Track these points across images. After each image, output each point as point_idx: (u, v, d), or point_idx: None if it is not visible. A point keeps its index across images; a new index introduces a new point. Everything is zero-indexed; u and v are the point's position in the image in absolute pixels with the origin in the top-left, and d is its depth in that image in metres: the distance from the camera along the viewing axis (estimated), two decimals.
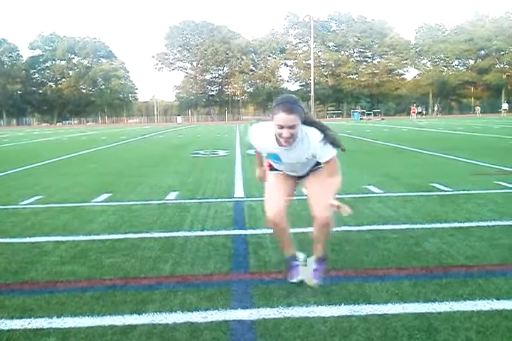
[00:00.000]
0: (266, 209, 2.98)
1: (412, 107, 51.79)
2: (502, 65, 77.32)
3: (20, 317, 2.58)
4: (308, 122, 2.74)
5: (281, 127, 2.61)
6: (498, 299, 2.66)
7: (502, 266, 3.24)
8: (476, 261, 3.35)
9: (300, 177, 3.10)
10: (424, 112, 61.29)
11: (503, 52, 75.68)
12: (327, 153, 2.76)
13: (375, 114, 65.07)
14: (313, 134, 2.73)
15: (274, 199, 2.97)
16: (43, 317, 2.58)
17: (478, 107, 62.87)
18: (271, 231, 4.24)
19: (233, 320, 2.49)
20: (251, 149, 13.63)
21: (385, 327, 2.37)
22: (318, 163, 2.95)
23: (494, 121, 36.45)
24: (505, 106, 56.46)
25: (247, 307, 2.64)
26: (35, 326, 2.48)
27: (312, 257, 3.04)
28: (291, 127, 2.61)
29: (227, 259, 3.51)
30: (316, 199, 2.91)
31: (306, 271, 2.97)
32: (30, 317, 2.58)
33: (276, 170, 3.08)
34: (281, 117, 2.59)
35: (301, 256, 3.08)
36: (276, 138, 2.73)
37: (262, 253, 3.62)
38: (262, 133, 2.84)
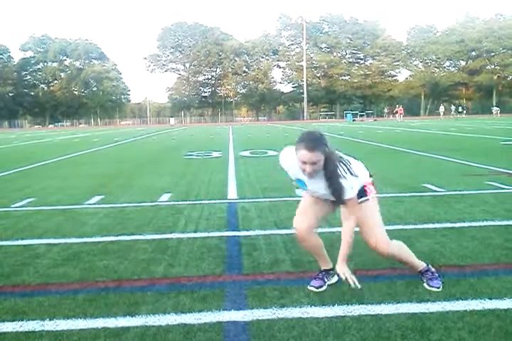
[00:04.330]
0: (294, 222, 2.95)
1: (399, 108, 51.23)
2: (493, 66, 77.85)
3: (12, 320, 2.57)
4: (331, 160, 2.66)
5: (304, 163, 2.61)
6: (490, 298, 2.68)
7: (494, 265, 3.26)
8: (469, 261, 3.37)
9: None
10: (462, 111, 57.80)
11: (493, 54, 76.24)
12: (351, 191, 2.70)
13: (367, 115, 65.28)
14: (349, 176, 2.68)
15: (304, 212, 2.94)
16: (35, 319, 2.57)
17: (496, 108, 57.73)
18: (264, 232, 4.26)
19: (227, 322, 2.49)
20: (245, 151, 13.63)
21: (378, 328, 2.38)
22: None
23: (486, 121, 36.68)
24: (495, 109, 56.44)
25: (240, 309, 2.64)
26: (28, 329, 2.47)
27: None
28: (314, 163, 2.60)
29: (221, 261, 3.50)
30: (370, 232, 2.87)
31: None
32: (22, 320, 2.56)
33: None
34: (304, 154, 2.58)
35: (333, 278, 3.02)
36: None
37: (255, 255, 3.62)
38: (290, 159, 2.81)
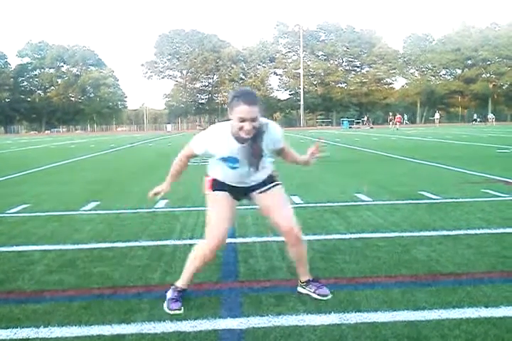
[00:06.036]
0: (210, 237, 2.77)
1: (397, 116, 51.13)
2: (488, 75, 78.42)
3: (7, 327, 2.54)
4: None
5: (243, 120, 2.51)
6: (486, 307, 2.68)
7: (490, 273, 3.26)
8: (465, 268, 3.37)
9: (245, 194, 2.94)
10: (478, 119, 56.90)
11: (489, 62, 76.81)
12: (283, 138, 2.84)
13: (363, 123, 65.44)
14: (272, 122, 2.75)
15: (221, 227, 2.78)
16: (29, 326, 2.55)
17: (491, 115, 57.75)
18: (260, 239, 4.26)
19: (223, 329, 2.47)
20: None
21: (375, 335, 2.37)
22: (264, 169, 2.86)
23: (482, 129, 36.85)
24: (490, 116, 56.66)
25: (236, 316, 2.62)
26: (22, 336, 2.44)
27: (302, 284, 2.97)
28: (254, 119, 2.52)
29: (217, 268, 3.49)
30: (281, 211, 2.86)
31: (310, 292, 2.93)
32: (16, 327, 2.54)
33: (220, 189, 2.87)
34: (244, 109, 2.48)
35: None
36: (235, 135, 2.62)
37: (251, 262, 3.61)
38: (218, 133, 2.67)
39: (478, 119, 56.68)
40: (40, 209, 6.02)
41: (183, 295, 2.85)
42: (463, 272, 3.29)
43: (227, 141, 2.65)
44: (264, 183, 2.91)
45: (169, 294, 2.85)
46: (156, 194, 3.07)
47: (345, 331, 2.43)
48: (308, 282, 2.96)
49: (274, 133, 2.73)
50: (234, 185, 2.89)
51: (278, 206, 2.89)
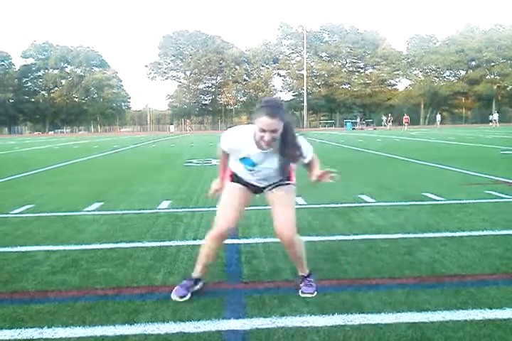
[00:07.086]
0: (217, 223, 2.93)
1: (405, 116, 50.76)
2: (492, 76, 78.17)
3: (10, 328, 2.55)
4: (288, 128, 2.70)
5: (264, 130, 2.59)
6: (490, 308, 2.67)
7: (494, 275, 3.25)
8: (469, 270, 3.36)
9: (261, 190, 3.04)
10: (496, 119, 55.05)
11: (493, 63, 76.54)
12: (310, 151, 2.86)
13: (367, 124, 65.37)
14: (301, 138, 2.79)
15: (229, 214, 2.93)
16: (33, 327, 2.55)
17: (496, 115, 55.76)
18: (264, 240, 4.25)
19: (226, 330, 2.47)
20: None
21: (378, 337, 2.36)
22: (285, 176, 2.93)
23: (485, 130, 36.76)
24: (495, 116, 55.84)
25: (240, 317, 2.62)
26: (26, 336, 2.45)
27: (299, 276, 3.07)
28: (273, 131, 2.59)
29: (220, 269, 3.49)
30: (282, 215, 2.91)
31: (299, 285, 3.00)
32: (20, 328, 2.55)
33: (238, 181, 3.00)
34: (265, 121, 2.56)
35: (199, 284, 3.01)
36: (256, 141, 2.71)
37: (255, 263, 3.61)
38: (242, 134, 2.79)
39: (496, 119, 55.54)
40: (44, 209, 6.03)
41: (194, 285, 2.95)
42: (467, 274, 3.28)
43: (247, 143, 2.75)
44: (276, 183, 2.99)
45: (183, 281, 2.97)
46: (216, 191, 3.19)
47: (348, 332, 2.42)
48: (302, 277, 3.05)
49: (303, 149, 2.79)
50: (250, 182, 3.00)
51: (279, 208, 2.95)
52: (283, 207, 2.93)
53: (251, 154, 2.78)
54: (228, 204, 2.96)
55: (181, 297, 2.86)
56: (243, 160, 2.84)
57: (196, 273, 3.02)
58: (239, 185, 3.01)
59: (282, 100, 2.75)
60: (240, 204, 3.00)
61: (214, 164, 12.16)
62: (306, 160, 2.85)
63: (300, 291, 2.96)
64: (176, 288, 2.94)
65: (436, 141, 22.75)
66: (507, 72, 74.91)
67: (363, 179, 8.48)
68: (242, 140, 2.77)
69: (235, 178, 3.02)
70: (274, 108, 2.59)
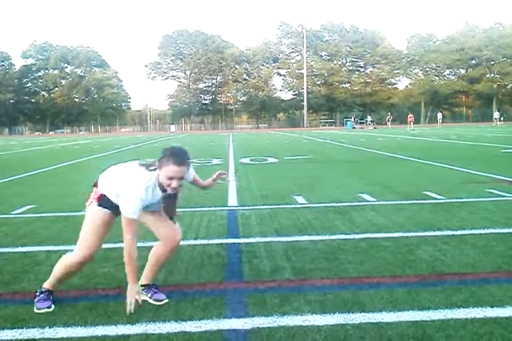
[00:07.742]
0: (81, 250, 2.90)
1: (409, 115, 50.36)
2: (492, 75, 78.13)
3: (12, 328, 2.56)
4: None
5: (171, 178, 2.62)
6: (491, 307, 2.67)
7: (495, 273, 3.25)
8: (470, 268, 3.36)
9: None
10: (502, 118, 54.53)
11: (493, 62, 76.50)
12: (192, 172, 3.03)
13: (367, 123, 65.34)
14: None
15: (93, 243, 2.93)
16: (34, 327, 2.56)
17: (497, 113, 54.56)
18: (265, 239, 4.26)
19: (227, 330, 2.48)
20: (245, 158, 13.63)
21: (379, 336, 2.36)
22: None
23: (486, 129, 36.74)
24: (495, 114, 55.52)
25: (241, 317, 2.62)
26: (27, 336, 2.45)
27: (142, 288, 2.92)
28: (181, 178, 2.65)
29: (221, 268, 3.49)
30: (168, 224, 2.99)
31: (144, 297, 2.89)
32: (22, 328, 2.55)
33: (105, 207, 2.86)
34: (173, 169, 2.59)
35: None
36: (159, 185, 2.70)
37: (256, 262, 3.61)
38: (143, 185, 2.67)
39: (502, 118, 54.89)
40: (45, 209, 6.03)
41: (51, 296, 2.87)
42: (468, 272, 3.28)
43: (154, 193, 2.74)
44: None
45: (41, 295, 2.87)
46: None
47: (349, 331, 2.42)
48: (146, 286, 2.97)
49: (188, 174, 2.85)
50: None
51: (160, 220, 3.05)
52: (163, 218, 3.00)
53: (156, 199, 2.79)
54: (95, 232, 2.94)
55: (47, 307, 2.77)
56: (143, 207, 2.78)
57: (49, 285, 2.92)
58: (104, 210, 2.89)
59: (186, 149, 2.78)
60: (108, 227, 2.99)
61: (215, 164, 12.17)
62: (190, 179, 2.98)
63: (153, 300, 2.87)
64: (36, 303, 2.82)
65: (438, 139, 22.73)
66: (507, 70, 74.88)
67: (363, 178, 8.48)
68: (150, 190, 2.71)
69: (102, 204, 2.88)
70: (181, 156, 2.65)
